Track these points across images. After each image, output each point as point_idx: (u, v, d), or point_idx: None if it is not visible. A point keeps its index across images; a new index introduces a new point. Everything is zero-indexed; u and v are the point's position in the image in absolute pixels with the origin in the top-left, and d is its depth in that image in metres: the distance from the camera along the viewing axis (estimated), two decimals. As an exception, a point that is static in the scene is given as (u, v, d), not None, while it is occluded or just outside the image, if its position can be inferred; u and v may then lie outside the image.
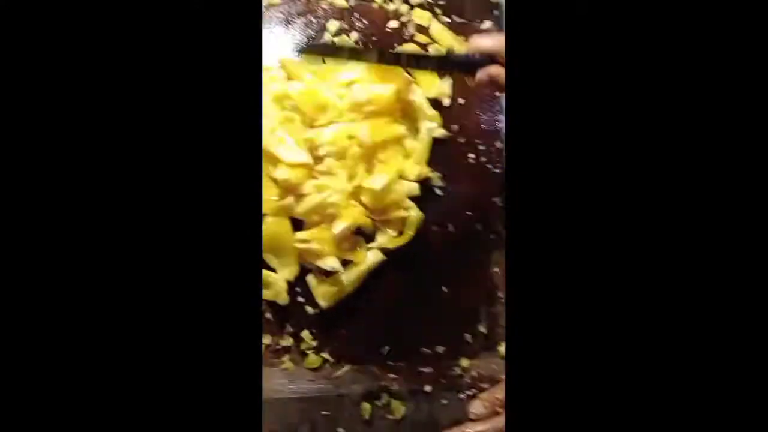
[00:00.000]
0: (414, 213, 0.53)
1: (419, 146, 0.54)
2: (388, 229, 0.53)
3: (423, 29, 0.60)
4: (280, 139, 0.52)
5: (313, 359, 0.52)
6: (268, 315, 0.52)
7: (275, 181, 0.52)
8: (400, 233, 0.54)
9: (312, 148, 0.52)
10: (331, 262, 0.51)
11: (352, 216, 0.51)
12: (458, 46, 0.58)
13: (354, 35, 0.59)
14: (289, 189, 0.52)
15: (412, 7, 0.61)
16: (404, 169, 0.54)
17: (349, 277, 0.52)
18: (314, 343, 0.52)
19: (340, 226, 0.50)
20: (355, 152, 0.52)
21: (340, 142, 0.52)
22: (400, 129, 0.54)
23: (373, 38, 0.59)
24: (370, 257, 0.53)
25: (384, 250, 0.53)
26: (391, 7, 0.61)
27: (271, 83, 0.55)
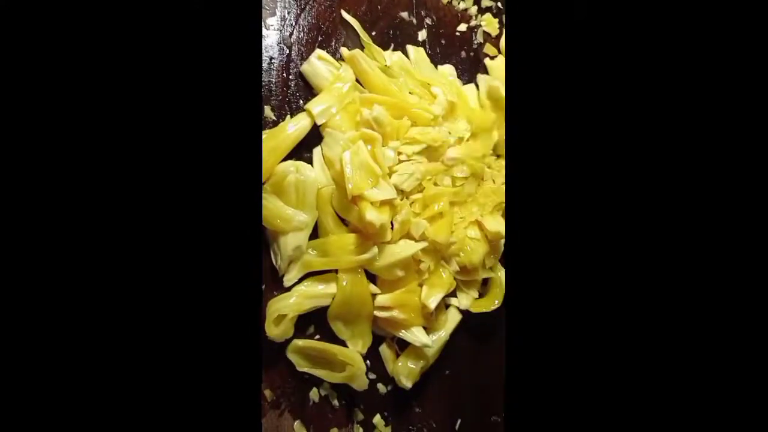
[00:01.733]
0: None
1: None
2: (468, 290, 0.45)
3: (491, 39, 0.51)
4: (365, 166, 0.38)
5: (387, 451, 0.42)
6: (335, 402, 0.40)
7: (348, 224, 0.40)
8: (480, 294, 0.45)
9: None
10: (422, 337, 0.40)
11: (444, 281, 0.42)
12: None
13: (423, 34, 0.47)
14: (370, 236, 0.39)
15: (482, 11, 0.51)
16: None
17: (433, 349, 0.42)
18: (388, 430, 0.42)
19: (434, 299, 0.40)
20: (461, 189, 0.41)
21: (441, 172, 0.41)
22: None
23: (442, 41, 0.48)
24: (451, 320, 0.44)
25: (461, 311, 0.45)
26: (461, 5, 0.50)
27: (335, 87, 0.41)
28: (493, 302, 0.45)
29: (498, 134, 0.45)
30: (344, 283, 0.39)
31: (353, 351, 0.39)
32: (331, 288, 0.39)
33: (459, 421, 0.46)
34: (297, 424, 0.39)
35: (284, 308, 0.37)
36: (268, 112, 0.39)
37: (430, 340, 0.41)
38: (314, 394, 0.39)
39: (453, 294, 0.44)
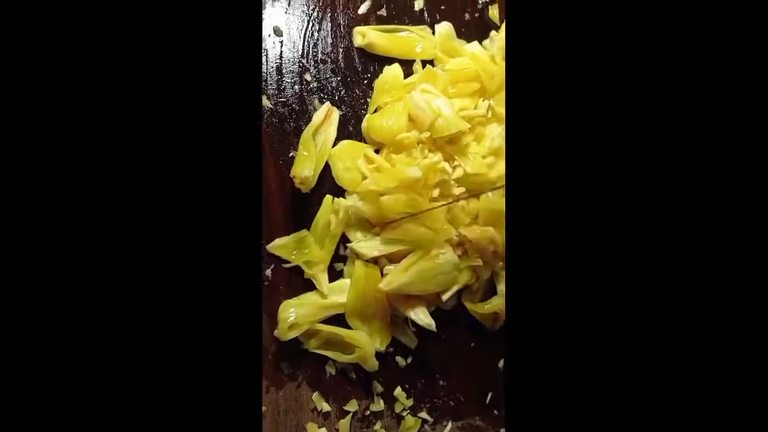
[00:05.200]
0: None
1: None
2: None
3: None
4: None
5: (410, 423, 0.42)
6: (352, 375, 0.41)
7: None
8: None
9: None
10: (425, 318, 0.39)
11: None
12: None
13: (420, 2, 0.46)
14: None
15: (486, -33, 0.48)
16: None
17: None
18: (410, 402, 0.42)
19: (448, 292, 0.39)
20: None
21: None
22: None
23: (442, 7, 0.47)
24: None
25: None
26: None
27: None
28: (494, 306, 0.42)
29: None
30: (357, 271, 0.39)
31: (359, 333, 0.40)
32: (344, 298, 0.40)
33: (490, 395, 0.44)
34: (316, 395, 0.41)
35: (299, 318, 0.39)
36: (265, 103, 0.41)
37: (432, 321, 0.40)
38: (330, 367, 0.41)
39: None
